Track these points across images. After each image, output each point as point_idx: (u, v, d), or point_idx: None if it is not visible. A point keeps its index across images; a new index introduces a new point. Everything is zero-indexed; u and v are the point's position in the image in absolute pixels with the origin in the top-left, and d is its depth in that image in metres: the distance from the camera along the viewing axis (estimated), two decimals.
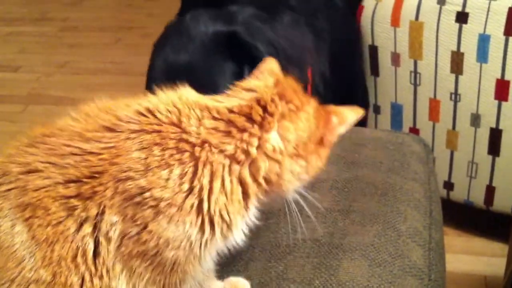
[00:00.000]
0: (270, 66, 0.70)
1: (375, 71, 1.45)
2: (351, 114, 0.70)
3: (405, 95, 1.43)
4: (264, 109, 0.63)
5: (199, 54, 1.06)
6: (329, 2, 1.34)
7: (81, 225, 0.59)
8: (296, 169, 0.65)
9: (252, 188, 0.63)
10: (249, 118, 0.63)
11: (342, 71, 1.33)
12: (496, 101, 1.32)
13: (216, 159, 0.61)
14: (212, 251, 0.64)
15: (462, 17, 1.29)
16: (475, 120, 1.36)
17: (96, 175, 0.59)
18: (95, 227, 0.60)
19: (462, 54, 1.31)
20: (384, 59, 1.42)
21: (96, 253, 0.60)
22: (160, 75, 1.08)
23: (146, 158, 0.59)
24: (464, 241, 1.57)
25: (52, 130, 0.64)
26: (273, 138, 0.63)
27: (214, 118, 0.63)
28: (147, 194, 0.59)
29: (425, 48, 1.35)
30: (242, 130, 0.62)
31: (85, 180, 0.60)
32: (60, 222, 0.59)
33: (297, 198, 0.69)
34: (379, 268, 0.79)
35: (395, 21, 1.36)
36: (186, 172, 0.60)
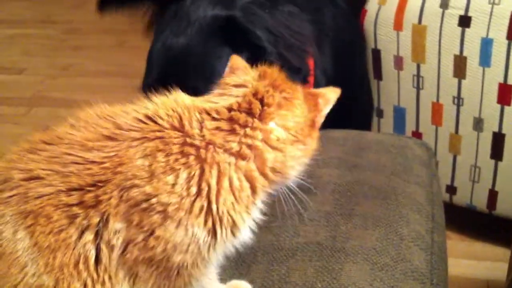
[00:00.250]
0: (240, 62, 0.72)
1: (378, 75, 1.45)
2: (332, 94, 0.73)
3: (408, 98, 1.43)
4: (261, 101, 0.65)
5: (197, 38, 1.06)
6: (333, 1, 1.34)
7: (82, 233, 0.60)
8: (297, 154, 0.67)
9: (259, 181, 0.64)
10: (249, 113, 0.64)
11: (344, 71, 1.33)
12: (499, 105, 1.31)
13: (222, 159, 0.62)
14: (219, 253, 0.65)
15: (465, 21, 1.29)
16: (478, 124, 1.36)
17: (100, 184, 0.60)
18: (97, 235, 0.60)
19: (465, 58, 1.31)
20: (387, 62, 1.42)
21: (98, 260, 0.60)
22: (159, 58, 1.08)
23: (150, 165, 0.60)
24: (467, 245, 1.57)
25: (52, 137, 0.64)
26: (275, 129, 0.64)
27: (215, 119, 0.63)
28: (153, 200, 0.59)
29: (428, 52, 1.35)
30: (245, 125, 0.63)
31: (88, 188, 0.60)
32: (62, 230, 0.59)
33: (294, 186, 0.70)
34: (381, 272, 0.79)
35: (398, 25, 1.36)
36: (193, 175, 0.60)
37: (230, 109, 0.64)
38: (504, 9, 1.25)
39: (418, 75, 1.38)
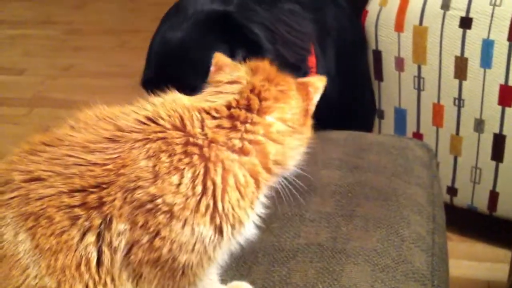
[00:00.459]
0: (224, 59, 0.72)
1: (379, 76, 1.45)
2: (319, 82, 0.73)
3: (408, 100, 1.43)
4: (259, 96, 0.65)
5: (192, 33, 1.06)
6: (334, 0, 1.34)
7: (84, 235, 0.60)
8: (296, 144, 0.68)
9: (262, 176, 0.65)
10: (248, 109, 0.65)
11: (347, 71, 1.32)
12: (500, 107, 1.31)
13: (226, 156, 0.62)
14: (225, 251, 0.65)
15: (466, 22, 1.29)
16: (479, 125, 1.36)
17: (103, 185, 0.60)
18: (99, 236, 0.60)
19: (466, 59, 1.31)
20: (388, 63, 1.42)
21: (99, 262, 0.60)
22: (157, 52, 1.08)
23: (154, 166, 0.60)
24: (468, 246, 1.56)
25: (51, 138, 0.64)
26: (274, 122, 0.65)
27: (215, 117, 0.64)
28: (159, 201, 0.59)
29: (429, 53, 1.35)
30: (245, 121, 0.64)
31: (90, 190, 0.60)
32: (64, 231, 0.59)
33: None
34: (382, 273, 0.79)
35: (399, 26, 1.36)
36: (198, 174, 0.61)
37: (229, 107, 0.65)
38: (505, 11, 1.25)
39: (419, 76, 1.38)
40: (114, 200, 0.59)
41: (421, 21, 1.33)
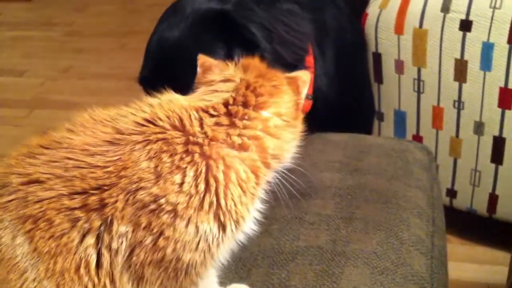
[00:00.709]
0: (208, 60, 0.73)
1: (379, 78, 1.45)
2: (305, 76, 0.75)
3: (408, 102, 1.43)
4: (254, 92, 0.66)
5: (189, 32, 1.06)
6: (334, 1, 1.33)
7: (84, 237, 0.60)
8: (290, 137, 0.69)
9: (262, 170, 0.66)
10: (245, 105, 0.66)
11: (346, 72, 1.32)
12: (500, 109, 1.31)
13: (226, 153, 0.63)
14: (227, 247, 0.65)
15: (466, 25, 1.29)
16: (479, 128, 1.36)
17: (105, 187, 0.60)
18: (98, 238, 0.60)
19: (466, 62, 1.31)
20: (388, 66, 1.42)
21: (99, 264, 0.60)
22: (154, 50, 1.08)
23: (156, 167, 0.60)
24: (467, 249, 1.56)
25: (49, 141, 0.64)
26: (271, 117, 0.67)
27: (213, 115, 0.65)
28: (162, 201, 0.60)
29: (428, 55, 1.35)
30: (243, 118, 0.65)
31: (92, 191, 0.60)
32: (64, 234, 0.59)
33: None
34: (381, 276, 0.79)
35: (399, 29, 1.36)
36: (200, 172, 0.61)
37: (226, 104, 0.66)
38: (505, 14, 1.25)
39: (419, 79, 1.38)
40: (116, 202, 0.59)
41: (421, 23, 1.33)
